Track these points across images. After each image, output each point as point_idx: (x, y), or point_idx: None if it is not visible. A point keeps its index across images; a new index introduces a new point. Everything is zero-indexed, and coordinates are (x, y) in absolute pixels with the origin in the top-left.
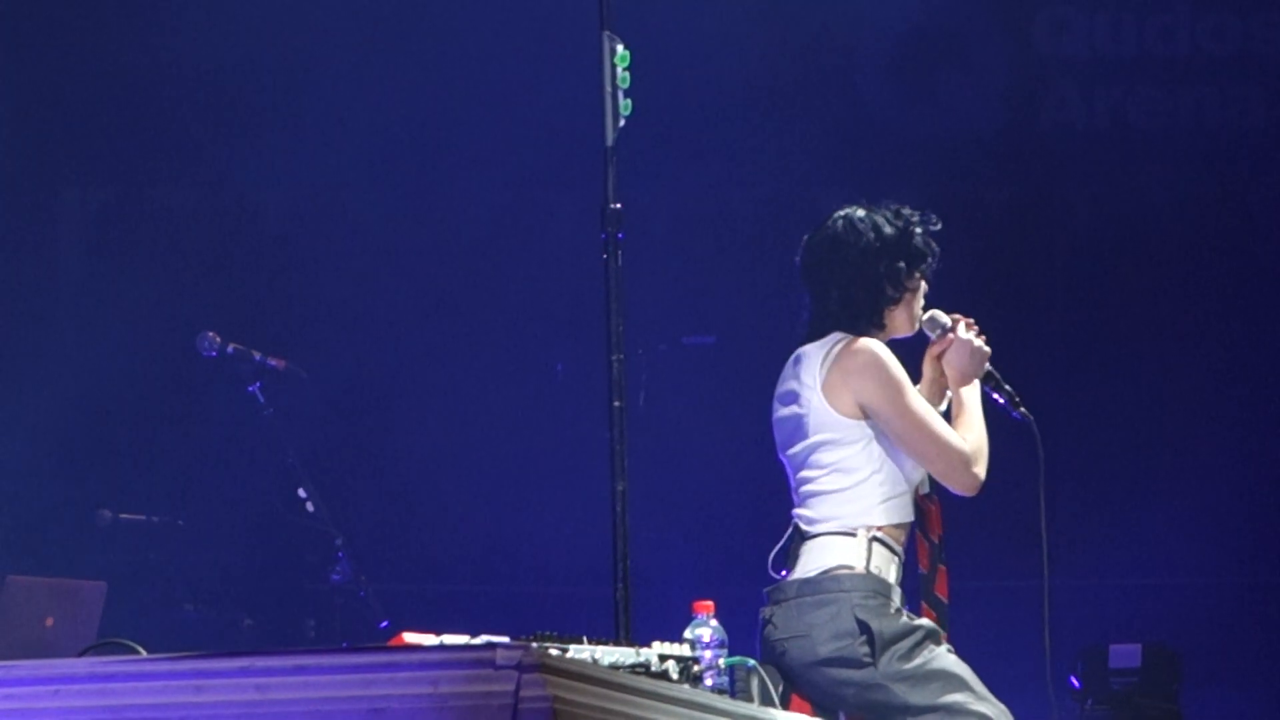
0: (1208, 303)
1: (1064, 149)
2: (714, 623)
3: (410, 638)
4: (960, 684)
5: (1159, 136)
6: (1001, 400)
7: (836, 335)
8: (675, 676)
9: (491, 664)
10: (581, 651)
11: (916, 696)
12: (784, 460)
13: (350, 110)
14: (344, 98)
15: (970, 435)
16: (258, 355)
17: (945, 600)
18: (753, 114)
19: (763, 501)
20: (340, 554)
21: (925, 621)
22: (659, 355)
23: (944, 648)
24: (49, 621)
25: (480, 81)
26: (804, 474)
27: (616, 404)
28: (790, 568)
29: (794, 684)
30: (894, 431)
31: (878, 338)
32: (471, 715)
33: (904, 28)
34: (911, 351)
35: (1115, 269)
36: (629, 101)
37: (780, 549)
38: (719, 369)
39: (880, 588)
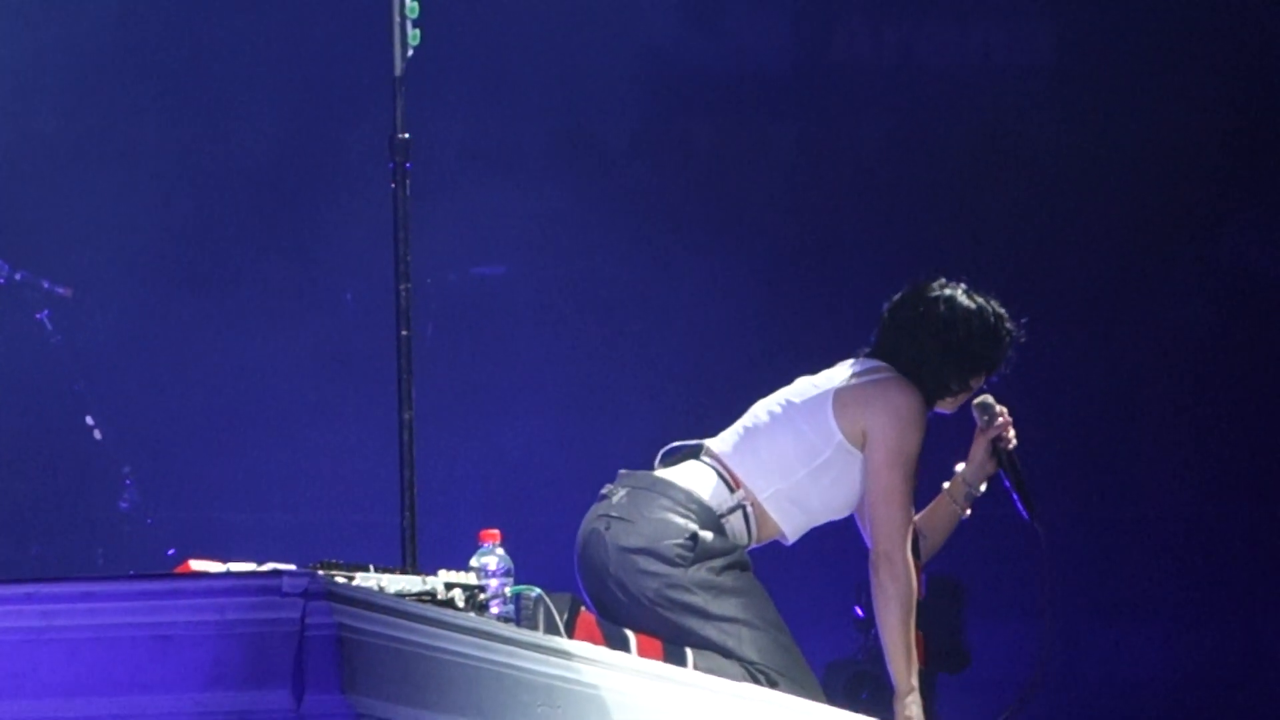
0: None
1: (853, 85)
2: (500, 551)
3: (197, 565)
4: (760, 606)
5: (947, 73)
6: (1015, 496)
7: (892, 371)
8: (461, 605)
9: (278, 591)
10: (368, 579)
11: (716, 606)
12: (758, 401)
13: (129, 38)
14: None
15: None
16: (46, 283)
17: None
18: (542, 45)
19: (549, 432)
20: (128, 481)
21: (742, 549)
22: (448, 285)
23: (750, 574)
24: None
25: (269, 10)
26: (753, 422)
27: (404, 333)
28: (662, 467)
29: (595, 569)
30: (870, 474)
31: None
32: (258, 642)
33: None
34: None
35: (906, 207)
36: (418, 31)
37: (675, 449)
38: (508, 299)
39: (717, 529)
